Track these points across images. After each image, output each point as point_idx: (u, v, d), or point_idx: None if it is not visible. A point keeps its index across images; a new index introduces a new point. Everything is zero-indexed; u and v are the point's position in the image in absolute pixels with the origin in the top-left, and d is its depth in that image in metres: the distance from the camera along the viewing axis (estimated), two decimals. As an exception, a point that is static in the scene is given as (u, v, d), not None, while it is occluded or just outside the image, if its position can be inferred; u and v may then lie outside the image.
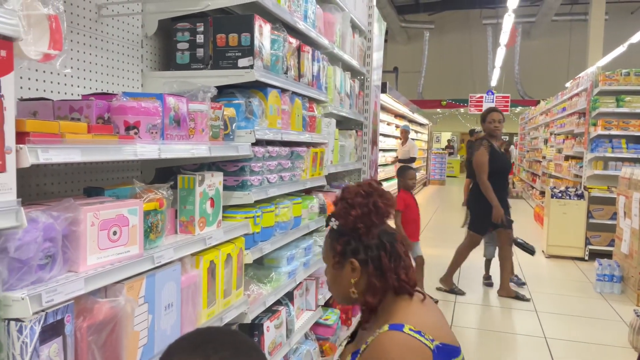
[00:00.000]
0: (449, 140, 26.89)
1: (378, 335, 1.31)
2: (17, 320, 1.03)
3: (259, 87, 2.20)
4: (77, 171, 1.79)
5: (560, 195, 7.02)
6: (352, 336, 1.60)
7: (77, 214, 1.20)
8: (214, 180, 1.84)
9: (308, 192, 3.21)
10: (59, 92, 1.70)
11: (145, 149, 1.39)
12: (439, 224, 9.80)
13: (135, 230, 1.38)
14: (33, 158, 1.04)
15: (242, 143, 1.96)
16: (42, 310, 1.08)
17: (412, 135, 14.79)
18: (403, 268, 1.42)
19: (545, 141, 11.99)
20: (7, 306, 1.02)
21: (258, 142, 2.14)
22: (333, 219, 1.46)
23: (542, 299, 5.16)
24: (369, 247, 1.41)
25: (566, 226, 6.88)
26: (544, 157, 11.92)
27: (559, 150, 10.03)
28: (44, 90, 1.64)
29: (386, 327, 1.30)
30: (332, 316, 3.31)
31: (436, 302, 1.53)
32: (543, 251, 7.25)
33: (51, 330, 1.11)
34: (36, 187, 1.63)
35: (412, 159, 9.30)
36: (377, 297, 1.40)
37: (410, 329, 1.27)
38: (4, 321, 1.03)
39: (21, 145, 1.02)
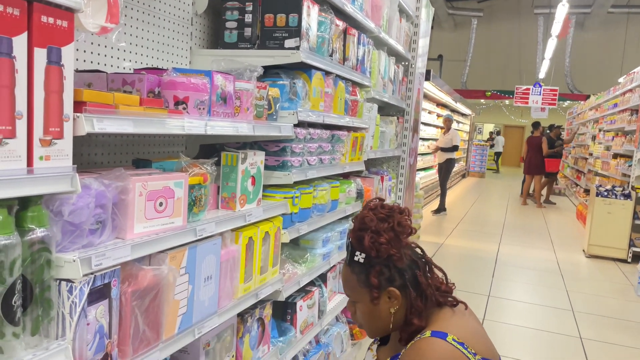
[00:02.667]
0: (491, 132, 26.27)
1: (419, 339, 1.26)
2: (67, 280, 1.09)
3: (303, 69, 2.20)
4: (125, 143, 1.84)
5: (606, 194, 6.78)
6: (382, 340, 1.53)
7: (127, 183, 1.24)
8: (256, 159, 1.87)
9: (346, 176, 3.21)
10: (111, 65, 1.75)
11: (192, 124, 1.42)
12: (476, 217, 9.65)
13: (180, 202, 1.42)
14: (89, 127, 1.08)
15: (284, 124, 1.98)
16: (91, 273, 1.13)
17: (453, 125, 14.56)
18: (438, 279, 1.39)
19: (593, 138, 11.57)
20: (59, 267, 1.07)
21: (300, 124, 2.16)
22: (358, 253, 1.33)
23: (580, 299, 5.03)
24: (404, 271, 1.33)
25: (610, 226, 6.66)
26: (590, 154, 11.52)
27: (608, 148, 9.66)
28: (98, 63, 1.69)
29: (428, 333, 1.25)
30: (364, 301, 3.32)
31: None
32: (584, 250, 7.04)
33: (98, 293, 1.16)
34: (87, 156, 1.69)
35: (455, 147, 9.09)
36: (423, 317, 1.32)
37: (454, 339, 1.22)
38: (56, 281, 1.08)
39: (78, 114, 1.07)
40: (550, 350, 3.80)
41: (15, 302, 0.97)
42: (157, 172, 1.44)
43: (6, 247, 0.94)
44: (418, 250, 1.41)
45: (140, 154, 1.93)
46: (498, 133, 21.80)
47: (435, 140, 10.44)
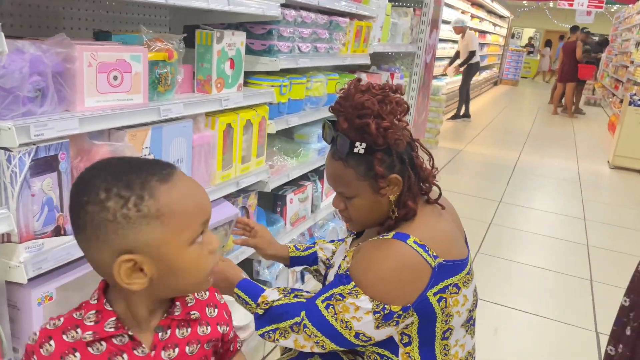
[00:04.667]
0: (530, 38, 24.80)
1: (382, 239, 1.19)
2: (5, 149, 1.04)
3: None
4: (98, 18, 1.73)
5: (639, 103, 6.41)
6: (359, 232, 1.45)
7: (71, 50, 1.15)
8: (235, 40, 1.74)
9: (352, 71, 3.06)
10: None
11: (149, -9, 1.30)
12: (502, 125, 9.36)
13: (138, 77, 1.34)
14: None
15: (270, 2, 1.82)
16: (33, 143, 1.09)
17: (486, 27, 13.70)
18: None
19: (638, 44, 10.77)
20: (-6, 134, 1.03)
21: (290, 5, 1.99)
22: (358, 144, 1.17)
23: (595, 208, 4.93)
24: (402, 154, 1.21)
25: (639, 137, 6.36)
26: (632, 62, 10.80)
27: (651, 55, 9.01)
28: None
29: (391, 235, 1.18)
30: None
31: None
32: (608, 161, 6.81)
33: (44, 165, 1.12)
34: (55, 29, 1.60)
35: (472, 53, 8.36)
36: (417, 200, 1.24)
37: (415, 242, 1.14)
38: (-6, 149, 1.04)
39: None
40: (554, 255, 3.78)
41: (-58, 167, 0.94)
42: (115, 44, 1.35)
43: None
44: (407, 130, 1.28)
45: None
46: (561, 38, 20.29)
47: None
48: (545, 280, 3.37)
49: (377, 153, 1.18)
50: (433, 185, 1.30)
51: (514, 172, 5.99)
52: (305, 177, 2.55)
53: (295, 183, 2.46)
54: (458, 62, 8.48)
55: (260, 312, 1.25)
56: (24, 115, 1.09)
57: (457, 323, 1.19)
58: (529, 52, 21.03)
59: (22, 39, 1.11)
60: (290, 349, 1.45)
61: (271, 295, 1.27)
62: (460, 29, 8.27)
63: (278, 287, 1.31)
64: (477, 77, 11.41)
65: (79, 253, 1.24)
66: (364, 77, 2.99)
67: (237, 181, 1.86)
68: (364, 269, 1.15)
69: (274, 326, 1.23)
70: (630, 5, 14.05)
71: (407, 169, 1.22)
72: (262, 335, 1.25)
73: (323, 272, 1.52)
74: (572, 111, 11.03)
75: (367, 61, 2.86)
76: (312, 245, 1.64)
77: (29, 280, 1.13)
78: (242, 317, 2.08)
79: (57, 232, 1.19)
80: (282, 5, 1.90)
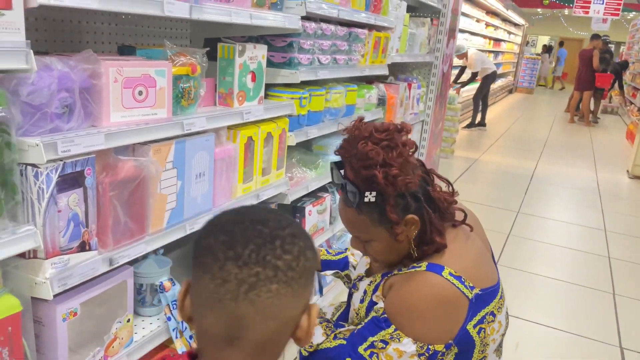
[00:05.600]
0: (544, 46, 24.63)
1: (414, 272, 1.15)
2: (33, 165, 1.05)
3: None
4: (114, 32, 1.75)
5: (659, 111, 6.30)
6: None
7: (97, 66, 1.16)
8: (257, 53, 1.74)
9: (370, 82, 3.05)
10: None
11: (174, 6, 1.30)
12: (517, 134, 9.28)
13: (163, 93, 1.34)
14: (41, -3, 0.98)
15: (290, 15, 1.82)
16: (60, 160, 1.09)
17: (501, 35, 13.62)
18: (441, 188, 1.23)
19: (656, 52, 10.64)
20: (22, 150, 1.03)
21: (310, 17, 1.99)
22: (368, 193, 1.12)
23: (615, 219, 4.85)
24: (416, 193, 1.15)
25: (660, 146, 6.25)
26: (650, 70, 10.67)
27: (670, 63, 8.88)
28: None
29: (424, 266, 1.14)
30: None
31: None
32: (628, 171, 6.71)
33: (70, 181, 1.12)
34: (78, 44, 1.61)
35: (475, 74, 8.16)
36: (444, 233, 1.18)
37: (451, 274, 1.10)
38: (22, 165, 1.04)
39: (28, -17, 0.97)
40: (575, 267, 3.71)
41: (-27, 184, 0.94)
42: (140, 58, 1.35)
43: (-44, 126, 0.89)
44: (424, 165, 1.24)
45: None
46: (561, 44, 20.19)
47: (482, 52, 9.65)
48: (566, 294, 3.31)
49: (390, 199, 1.13)
50: (455, 211, 1.26)
51: (532, 182, 5.92)
52: (323, 188, 2.53)
53: (314, 195, 2.44)
54: (459, 84, 8.27)
55: (305, 353, 1.21)
56: (51, 132, 1.09)
57: (491, 350, 1.17)
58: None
59: (49, 55, 1.11)
60: None
61: (316, 336, 1.21)
62: (462, 55, 8.12)
63: (320, 323, 1.26)
64: (493, 85, 11.35)
65: (103, 268, 1.24)
66: (381, 87, 2.98)
67: (258, 194, 1.85)
68: (402, 308, 1.11)
69: None
70: (648, 13, 13.89)
71: (423, 206, 1.16)
72: None
73: (353, 278, 1.47)
74: (588, 119, 10.91)
75: (386, 72, 2.85)
76: (343, 250, 1.62)
77: (54, 296, 1.13)
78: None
79: (82, 247, 1.18)
80: (303, 18, 1.89)
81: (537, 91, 18.03)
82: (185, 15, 1.34)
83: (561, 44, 20.60)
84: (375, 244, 1.20)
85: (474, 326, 1.10)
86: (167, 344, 1.57)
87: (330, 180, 2.45)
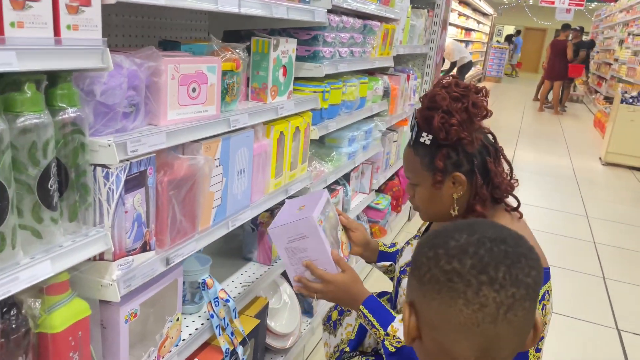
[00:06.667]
0: (507, 36, 25.10)
1: None
2: (103, 166, 1.02)
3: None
4: (144, 25, 1.70)
5: (631, 101, 6.56)
6: (424, 235, 1.49)
7: (159, 63, 1.13)
8: (288, 47, 1.73)
9: (371, 73, 3.05)
10: None
11: (227, 1, 1.28)
12: (491, 122, 9.46)
13: (213, 89, 1.32)
14: (119, -6, 0.95)
15: (318, 8, 1.81)
16: (127, 160, 1.06)
17: (473, 25, 13.82)
18: (504, 172, 1.28)
19: (621, 42, 11.01)
20: (93, 151, 1.00)
21: (333, 10, 1.98)
22: (425, 134, 1.22)
23: (595, 205, 5.03)
24: (473, 156, 1.22)
25: (631, 134, 6.51)
26: (616, 60, 11.03)
27: (635, 53, 9.22)
28: None
29: None
30: (384, 201, 3.32)
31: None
32: (600, 158, 6.96)
33: (135, 181, 1.10)
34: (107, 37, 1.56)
35: (453, 64, 8.33)
36: (487, 205, 1.24)
37: None
38: (91, 166, 1.01)
39: (106, -21, 0.93)
40: (563, 253, 3.85)
41: (51, 186, 0.91)
42: (187, 54, 1.32)
43: (37, 127, 0.86)
44: (490, 136, 1.30)
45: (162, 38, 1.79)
46: (518, 33, 20.71)
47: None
48: (558, 278, 3.43)
49: (444, 148, 1.21)
50: (508, 195, 1.30)
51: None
52: (335, 181, 2.54)
53: (328, 187, 2.45)
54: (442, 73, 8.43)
55: (392, 349, 1.21)
56: (117, 132, 1.07)
57: (546, 333, 1.21)
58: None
59: (116, 53, 1.08)
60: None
61: (401, 331, 1.22)
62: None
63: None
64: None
65: (161, 268, 1.23)
66: (385, 79, 2.99)
67: (287, 189, 1.85)
68: None
69: None
70: (612, 4, 14.34)
71: (474, 170, 1.22)
72: None
73: (401, 265, 1.49)
74: (557, 109, 11.22)
75: (391, 64, 2.87)
76: (394, 243, 1.67)
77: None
78: (286, 324, 2.07)
79: (144, 248, 1.16)
80: (328, 11, 1.89)
81: (504, 80, 18.40)
82: (234, 10, 1.32)
83: (518, 32, 21.06)
84: (420, 190, 1.29)
85: (539, 302, 1.13)
86: (209, 341, 1.56)
87: (344, 173, 2.47)
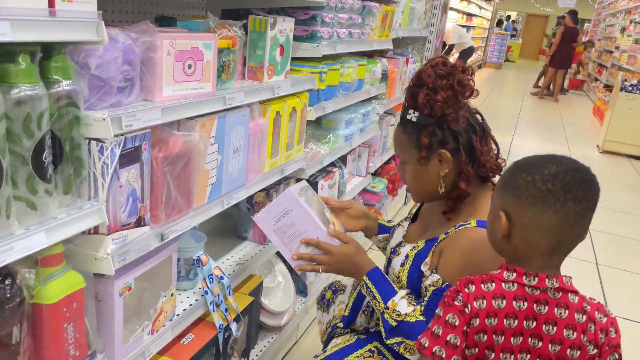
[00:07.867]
0: (513, 21, 24.92)
1: (463, 229, 1.21)
2: (98, 140, 1.02)
3: None
4: (143, 2, 1.69)
5: (630, 89, 6.54)
6: (414, 217, 1.50)
7: (155, 38, 1.13)
8: (285, 26, 1.72)
9: (370, 55, 3.04)
10: None
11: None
12: (490, 108, 9.46)
13: (209, 66, 1.32)
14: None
15: (316, -13, 1.80)
16: (122, 134, 1.07)
17: (474, 10, 13.72)
18: (491, 151, 1.30)
19: (623, 30, 10.94)
20: (88, 125, 1.00)
21: (331, -10, 1.97)
22: (411, 111, 1.25)
23: (591, 193, 5.05)
24: (458, 134, 1.25)
25: (630, 122, 6.51)
26: (617, 48, 10.98)
27: (637, 41, 9.17)
28: None
29: (474, 223, 1.20)
30: (380, 184, 3.33)
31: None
32: (598, 146, 6.97)
33: (130, 156, 1.10)
34: (104, 13, 1.55)
35: (451, 47, 8.30)
36: (471, 184, 1.27)
37: None
38: (86, 140, 1.02)
39: (100, -50, 0.93)
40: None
41: (45, 158, 0.92)
42: (183, 31, 1.32)
43: (32, 98, 0.86)
44: (478, 116, 1.32)
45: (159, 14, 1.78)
46: (507, 19, 20.66)
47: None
48: (552, 264, 3.45)
49: (429, 125, 1.24)
50: (494, 174, 1.32)
51: (509, 157, 6.07)
52: (331, 163, 2.55)
53: (324, 169, 2.46)
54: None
55: (393, 323, 1.23)
56: (112, 106, 1.07)
57: None
58: (512, 36, 21.14)
59: (112, 27, 1.08)
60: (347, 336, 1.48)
61: (401, 306, 1.24)
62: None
63: (404, 292, 1.28)
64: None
65: (155, 243, 1.24)
66: (384, 61, 2.98)
67: (282, 169, 1.85)
68: (463, 268, 1.16)
69: (400, 339, 1.22)
70: (615, -9, 14.21)
71: (459, 148, 1.25)
72: (389, 344, 1.24)
73: (392, 246, 1.50)
74: (556, 97, 11.19)
75: (390, 46, 2.85)
76: (389, 220, 1.70)
77: (113, 271, 1.12)
78: (280, 302, 2.10)
79: (139, 222, 1.17)
80: (325, -10, 1.88)
81: (505, 66, 18.32)
82: (231, -13, 1.31)
83: (508, 18, 21.00)
84: (409, 168, 1.32)
85: None
86: (203, 317, 1.58)
87: (341, 155, 2.47)
